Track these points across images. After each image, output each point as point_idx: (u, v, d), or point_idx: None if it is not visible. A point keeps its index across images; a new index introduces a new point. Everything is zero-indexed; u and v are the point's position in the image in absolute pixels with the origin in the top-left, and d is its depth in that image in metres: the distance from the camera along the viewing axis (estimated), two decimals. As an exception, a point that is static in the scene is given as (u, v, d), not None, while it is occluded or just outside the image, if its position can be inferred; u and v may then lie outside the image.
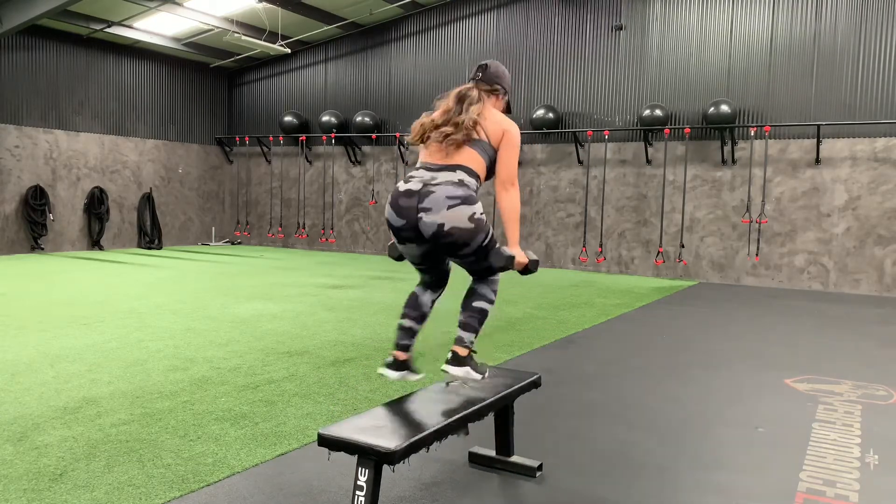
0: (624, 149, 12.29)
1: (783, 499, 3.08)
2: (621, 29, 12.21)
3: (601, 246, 12.30)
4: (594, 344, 6.39)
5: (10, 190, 13.15)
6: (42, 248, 13.58)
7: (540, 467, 3.30)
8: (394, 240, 3.05)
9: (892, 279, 10.20)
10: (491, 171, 2.97)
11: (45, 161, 13.69)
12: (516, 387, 3.24)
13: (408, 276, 10.35)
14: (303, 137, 15.60)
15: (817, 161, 10.61)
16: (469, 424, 2.91)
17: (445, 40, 14.07)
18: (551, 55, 12.92)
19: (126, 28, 13.81)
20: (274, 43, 13.73)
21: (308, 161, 16.06)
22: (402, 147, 14.44)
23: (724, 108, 10.87)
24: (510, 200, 2.90)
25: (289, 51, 14.33)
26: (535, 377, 3.42)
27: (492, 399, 3.03)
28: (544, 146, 13.04)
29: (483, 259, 2.93)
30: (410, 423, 2.67)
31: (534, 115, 12.56)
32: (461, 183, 2.83)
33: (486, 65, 3.09)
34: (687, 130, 11.32)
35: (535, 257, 3.03)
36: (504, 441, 3.37)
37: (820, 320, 7.94)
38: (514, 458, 3.35)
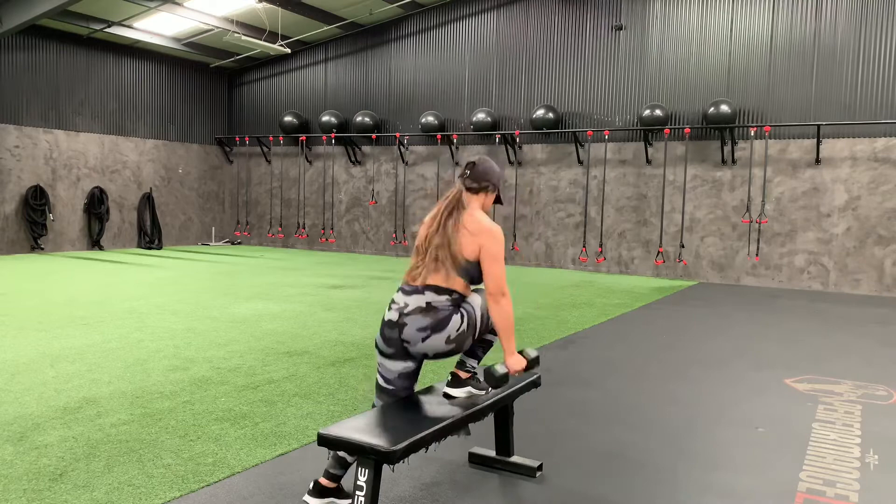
0: (624, 149, 12.29)
1: (783, 499, 3.08)
2: (621, 29, 12.21)
3: (601, 246, 12.30)
4: (594, 344, 6.39)
5: (10, 190, 13.15)
6: (42, 248, 13.58)
7: (540, 467, 3.31)
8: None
9: (892, 279, 10.20)
10: (478, 277, 2.87)
11: (45, 161, 13.70)
12: (516, 387, 3.24)
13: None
14: (303, 137, 15.60)
15: (817, 161, 10.61)
16: (469, 424, 2.91)
17: (445, 40, 14.07)
18: (551, 55, 12.92)
19: (126, 28, 13.81)
20: (274, 43, 13.73)
21: (308, 161, 16.06)
22: (401, 147, 14.44)
23: (724, 108, 10.87)
24: (502, 313, 2.81)
25: (289, 51, 14.33)
26: (534, 377, 3.42)
27: (492, 399, 3.03)
28: (544, 146, 13.04)
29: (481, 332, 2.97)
30: (410, 423, 2.67)
31: (534, 115, 12.56)
32: (429, 307, 2.78)
33: (475, 163, 2.95)
34: (687, 130, 11.32)
35: (534, 354, 3.00)
36: (504, 441, 3.37)
37: (820, 320, 7.93)
38: (514, 458, 3.36)
